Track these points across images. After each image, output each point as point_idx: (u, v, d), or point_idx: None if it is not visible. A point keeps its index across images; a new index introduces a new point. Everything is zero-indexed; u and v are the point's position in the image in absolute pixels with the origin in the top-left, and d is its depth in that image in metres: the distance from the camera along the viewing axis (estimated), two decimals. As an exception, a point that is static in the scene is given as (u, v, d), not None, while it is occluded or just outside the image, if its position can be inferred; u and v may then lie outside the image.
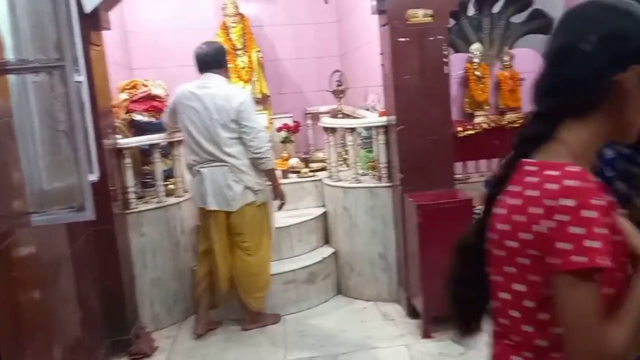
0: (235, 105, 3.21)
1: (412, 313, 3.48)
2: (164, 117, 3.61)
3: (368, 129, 3.86)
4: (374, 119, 3.77)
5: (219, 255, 3.39)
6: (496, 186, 1.06)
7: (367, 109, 4.30)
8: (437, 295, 3.08)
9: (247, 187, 3.32)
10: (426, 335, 3.25)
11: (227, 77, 3.48)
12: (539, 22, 4.17)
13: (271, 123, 4.85)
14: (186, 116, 3.31)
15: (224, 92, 3.27)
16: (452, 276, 1.17)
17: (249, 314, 3.56)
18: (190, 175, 3.47)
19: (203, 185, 3.32)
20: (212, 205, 3.32)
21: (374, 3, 3.39)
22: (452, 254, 1.17)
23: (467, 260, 1.14)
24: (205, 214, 3.41)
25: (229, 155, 3.27)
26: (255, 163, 3.31)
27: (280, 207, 3.58)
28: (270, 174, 3.42)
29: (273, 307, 3.70)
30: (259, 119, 3.35)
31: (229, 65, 3.47)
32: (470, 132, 3.77)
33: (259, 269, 3.48)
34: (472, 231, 1.13)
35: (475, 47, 3.94)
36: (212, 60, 3.33)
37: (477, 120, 3.91)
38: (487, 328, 1.12)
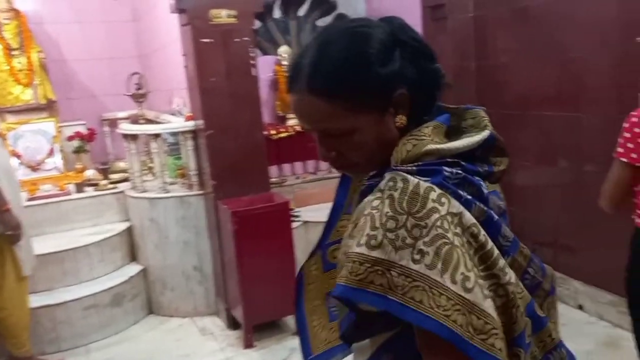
0: None
1: (233, 324, 3.37)
2: None
3: (174, 134, 3.66)
4: (180, 123, 3.56)
5: None
6: None
7: (173, 114, 4.09)
8: (257, 303, 3.08)
9: None
10: (248, 345, 3.15)
11: None
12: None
13: (59, 132, 4.36)
14: None
15: None
16: None
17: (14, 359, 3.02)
18: None
19: None
20: None
21: (173, 1, 3.20)
22: None
23: None
24: None
25: None
26: None
27: (11, 241, 2.81)
28: None
29: (74, 337, 3.31)
30: None
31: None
32: (283, 134, 3.77)
33: (6, 312, 2.90)
34: None
35: (283, 49, 3.97)
36: None
37: (289, 122, 3.94)
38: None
